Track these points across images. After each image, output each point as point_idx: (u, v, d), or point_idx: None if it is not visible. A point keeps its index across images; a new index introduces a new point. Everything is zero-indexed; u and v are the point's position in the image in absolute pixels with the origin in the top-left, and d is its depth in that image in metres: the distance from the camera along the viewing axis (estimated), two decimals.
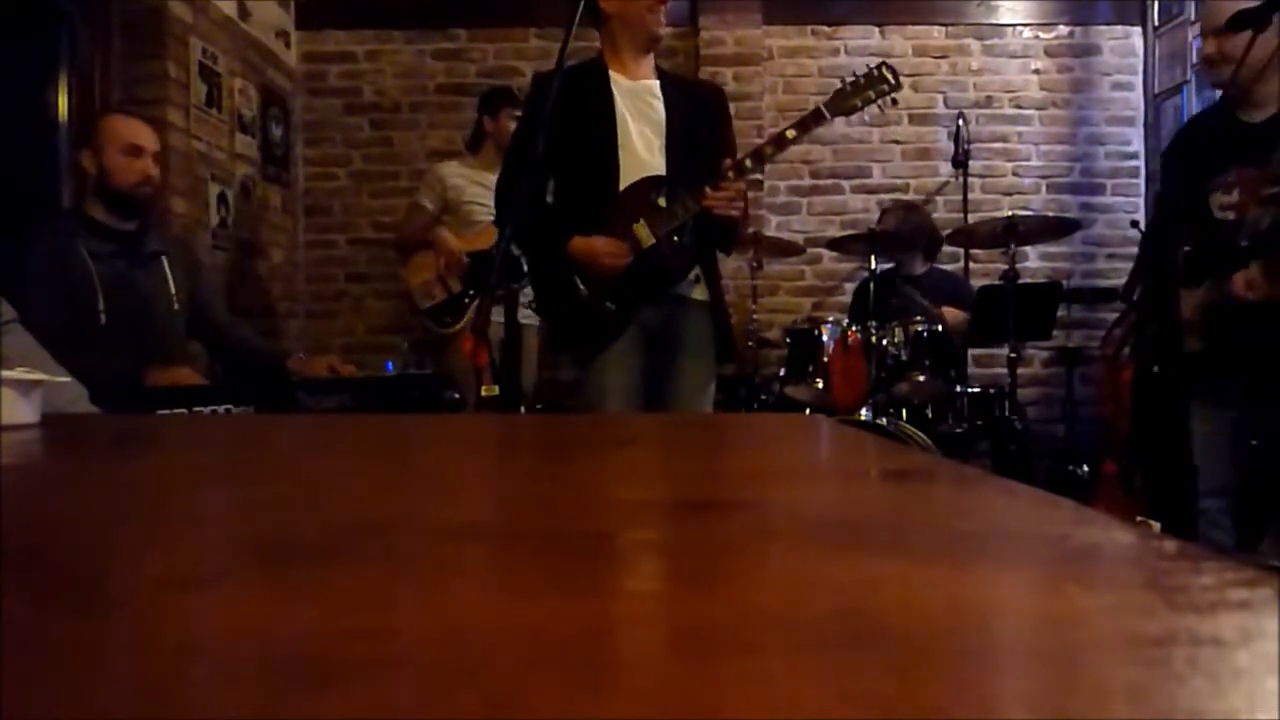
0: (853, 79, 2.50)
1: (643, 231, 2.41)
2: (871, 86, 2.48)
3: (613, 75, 2.50)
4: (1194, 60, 4.22)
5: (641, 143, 2.47)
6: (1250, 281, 2.26)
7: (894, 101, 2.57)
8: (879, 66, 2.52)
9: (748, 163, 2.44)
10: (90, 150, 2.60)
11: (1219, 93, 2.60)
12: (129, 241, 2.61)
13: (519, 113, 3.71)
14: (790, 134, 2.45)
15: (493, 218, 3.64)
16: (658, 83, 2.54)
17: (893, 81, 2.48)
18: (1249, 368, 2.39)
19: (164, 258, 2.69)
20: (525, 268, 2.41)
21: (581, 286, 2.43)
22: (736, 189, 2.39)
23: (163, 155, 3.45)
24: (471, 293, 3.62)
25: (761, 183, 4.60)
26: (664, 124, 2.48)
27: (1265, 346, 2.32)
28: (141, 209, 2.64)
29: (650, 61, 2.56)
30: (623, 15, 2.49)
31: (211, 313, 2.86)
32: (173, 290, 2.67)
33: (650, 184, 2.44)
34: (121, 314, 2.51)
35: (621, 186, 2.44)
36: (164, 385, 2.40)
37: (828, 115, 2.47)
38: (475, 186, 3.72)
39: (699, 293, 2.53)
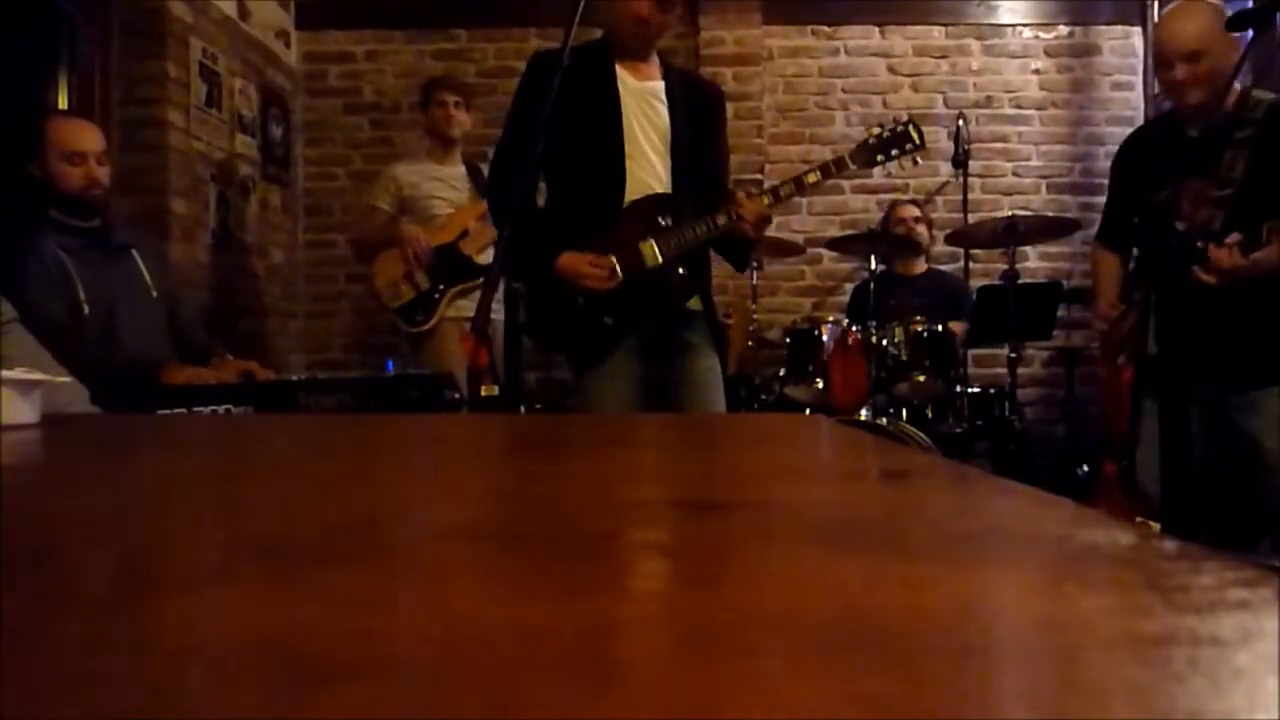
0: (879, 132, 2.53)
1: (650, 251, 2.39)
2: (896, 144, 2.51)
3: (619, 72, 2.44)
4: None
5: (647, 154, 2.44)
6: (1211, 264, 2.27)
7: (915, 162, 2.61)
8: (906, 124, 2.54)
9: (765, 199, 2.45)
10: (37, 156, 2.57)
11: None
12: (95, 237, 2.60)
13: (455, 97, 3.68)
14: (811, 178, 2.48)
15: (450, 210, 3.64)
16: (663, 84, 2.49)
17: (917, 141, 2.52)
18: (1200, 371, 2.42)
19: (133, 250, 2.68)
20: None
21: (580, 297, 2.41)
22: (765, 209, 2.42)
23: (164, 155, 3.48)
24: (441, 287, 3.58)
25: (762, 183, 4.60)
26: (668, 132, 2.45)
27: (1214, 340, 2.37)
28: (96, 210, 2.62)
29: (655, 59, 2.51)
30: (615, 18, 2.44)
31: (180, 311, 2.83)
32: (148, 279, 2.67)
33: (657, 203, 2.42)
34: (102, 306, 2.51)
35: (626, 199, 2.41)
36: (177, 384, 2.41)
37: (850, 165, 2.50)
38: (430, 181, 3.68)
39: (693, 303, 2.53)
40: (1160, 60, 2.52)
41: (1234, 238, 2.26)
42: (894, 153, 2.52)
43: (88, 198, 2.58)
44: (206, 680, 0.21)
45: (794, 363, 3.35)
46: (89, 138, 2.64)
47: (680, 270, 2.42)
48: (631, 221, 2.41)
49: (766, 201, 2.42)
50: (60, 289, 2.46)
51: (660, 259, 2.39)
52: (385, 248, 3.64)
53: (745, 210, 2.38)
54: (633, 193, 2.42)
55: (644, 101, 2.46)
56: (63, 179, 2.55)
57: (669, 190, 2.44)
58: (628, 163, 2.41)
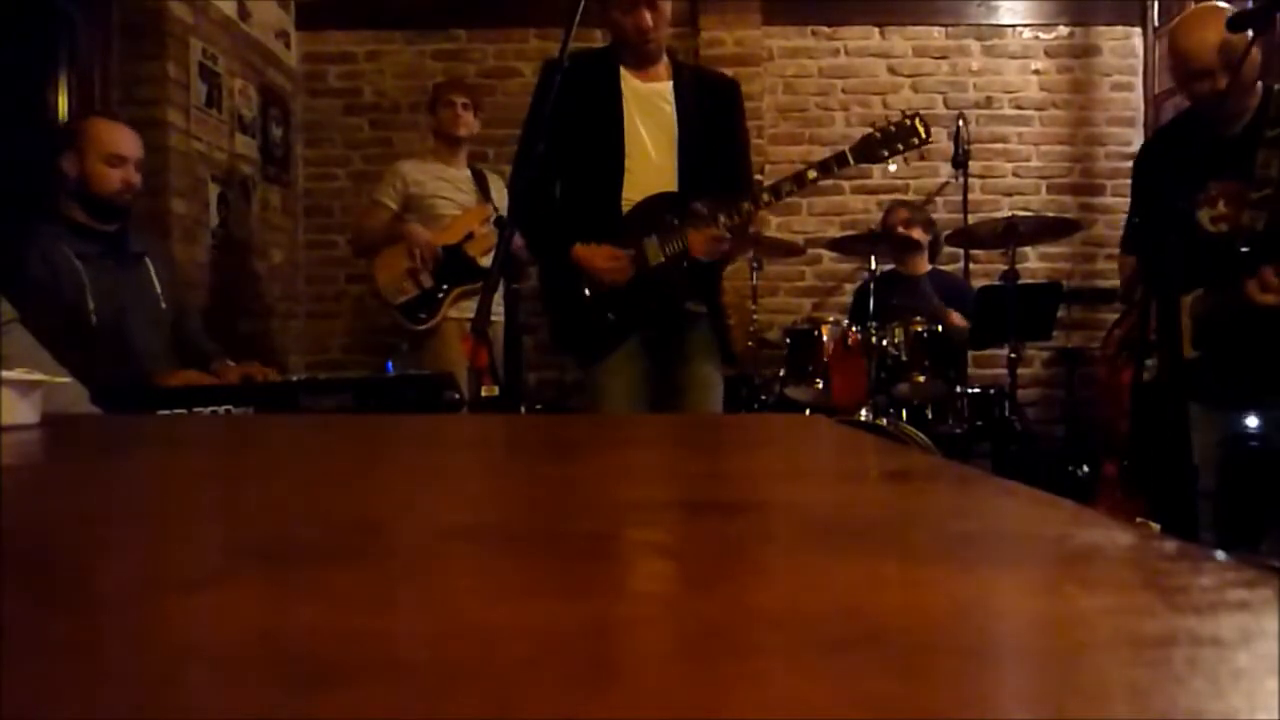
0: (884, 126, 2.50)
1: (653, 248, 2.42)
2: (901, 138, 2.48)
3: (623, 74, 2.47)
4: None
5: (651, 155, 2.46)
6: (1265, 284, 2.26)
7: (921, 156, 2.58)
8: (912, 117, 2.50)
9: (765, 197, 2.47)
10: (73, 153, 2.56)
11: None
12: (112, 243, 2.60)
13: (463, 99, 3.67)
14: (811, 174, 2.48)
15: (455, 210, 3.63)
16: (670, 84, 2.50)
17: (923, 135, 2.48)
18: (1242, 371, 2.40)
19: (147, 258, 2.68)
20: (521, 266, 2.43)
21: (586, 292, 2.44)
22: (718, 234, 2.43)
23: (164, 155, 3.48)
24: (445, 287, 3.56)
25: (761, 183, 4.60)
26: (675, 132, 2.47)
27: (1261, 350, 2.34)
28: (121, 213, 2.63)
29: (664, 61, 2.52)
30: (619, 31, 2.47)
31: (186, 319, 2.82)
32: (158, 290, 2.66)
33: (665, 202, 2.44)
34: (110, 314, 2.50)
35: (627, 192, 2.44)
36: (172, 385, 2.40)
37: (851, 161, 2.47)
38: (436, 181, 3.65)
39: (695, 305, 2.54)
40: (1193, 73, 2.48)
41: None
42: (899, 146, 2.48)
43: (121, 202, 2.60)
44: (206, 680, 0.21)
45: (794, 363, 3.35)
46: (132, 143, 2.64)
47: (683, 265, 2.43)
48: (639, 219, 2.43)
49: (749, 208, 2.43)
50: (69, 294, 2.45)
51: (662, 257, 2.41)
52: (387, 245, 3.61)
53: (693, 245, 2.41)
54: (631, 192, 2.44)
55: (649, 103, 2.48)
56: (100, 180, 2.55)
57: (676, 190, 2.45)
58: (627, 162, 2.44)
